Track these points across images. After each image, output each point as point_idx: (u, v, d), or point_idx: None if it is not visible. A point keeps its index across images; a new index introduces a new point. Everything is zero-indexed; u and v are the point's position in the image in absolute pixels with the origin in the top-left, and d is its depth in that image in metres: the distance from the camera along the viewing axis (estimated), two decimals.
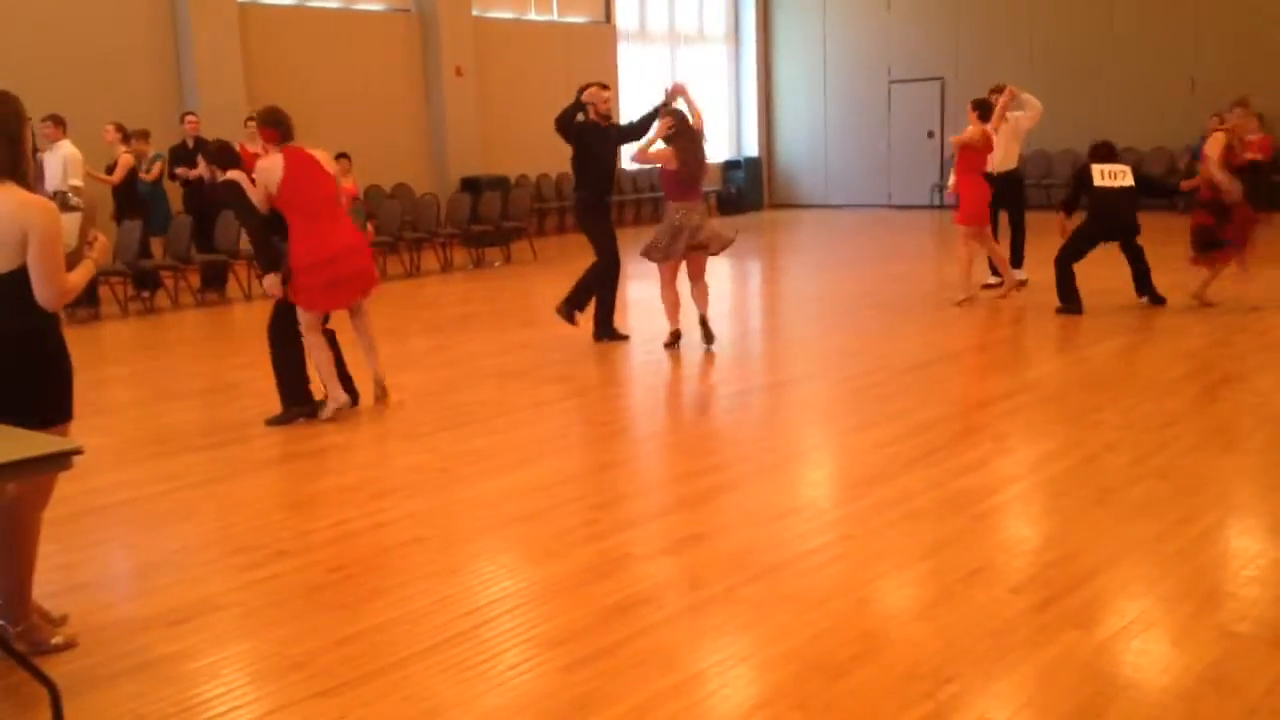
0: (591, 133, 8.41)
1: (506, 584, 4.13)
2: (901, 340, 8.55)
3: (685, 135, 7.99)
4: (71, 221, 3.68)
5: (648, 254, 8.17)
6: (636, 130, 8.38)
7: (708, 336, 8.18)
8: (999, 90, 10.24)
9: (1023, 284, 10.22)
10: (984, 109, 9.92)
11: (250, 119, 13.58)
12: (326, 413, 6.50)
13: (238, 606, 3.97)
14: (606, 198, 8.67)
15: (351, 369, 6.77)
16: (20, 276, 3.39)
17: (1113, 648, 3.41)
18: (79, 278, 3.57)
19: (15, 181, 3.42)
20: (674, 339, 8.27)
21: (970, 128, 9.78)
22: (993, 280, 10.35)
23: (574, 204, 8.92)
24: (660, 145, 8.04)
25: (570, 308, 8.61)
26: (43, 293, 3.41)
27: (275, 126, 6.35)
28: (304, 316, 6.42)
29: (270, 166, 6.24)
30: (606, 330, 8.66)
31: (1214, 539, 4.30)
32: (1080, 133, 8.72)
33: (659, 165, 8.08)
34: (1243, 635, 3.44)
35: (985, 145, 9.72)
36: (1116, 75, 17.49)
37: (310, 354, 6.50)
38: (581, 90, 8.42)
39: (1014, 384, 7.02)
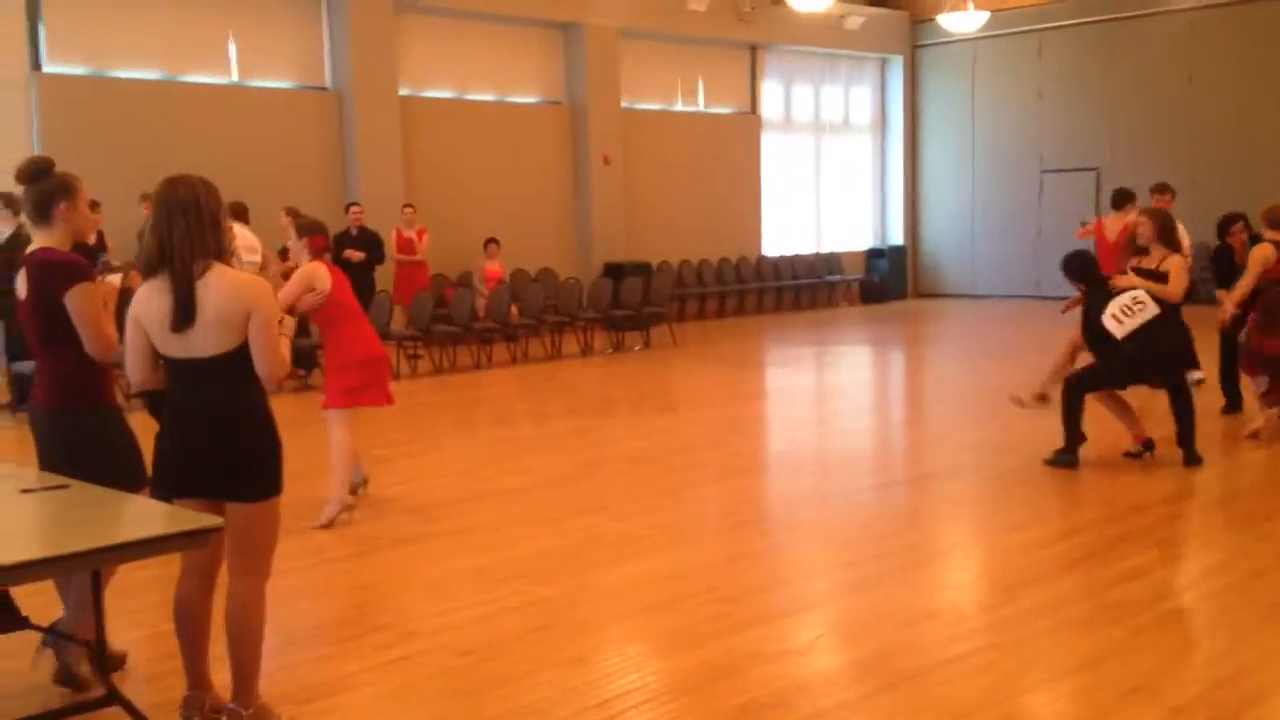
0: None
1: (633, 677, 4.05)
2: (1054, 436, 8.18)
3: None
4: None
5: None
6: None
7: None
8: (1162, 189, 9.80)
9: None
10: (1123, 196, 9.84)
11: (408, 205, 14.19)
12: (328, 517, 6.06)
13: (369, 687, 3.99)
14: None
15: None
16: (241, 355, 3.44)
17: None
18: (287, 352, 3.64)
19: (221, 262, 3.49)
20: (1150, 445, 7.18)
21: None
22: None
23: None
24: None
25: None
26: (266, 367, 3.46)
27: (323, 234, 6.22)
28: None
29: (320, 273, 6.07)
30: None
31: None
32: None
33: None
34: None
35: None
36: (1278, 159, 16.73)
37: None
38: None
39: (1176, 487, 6.62)
